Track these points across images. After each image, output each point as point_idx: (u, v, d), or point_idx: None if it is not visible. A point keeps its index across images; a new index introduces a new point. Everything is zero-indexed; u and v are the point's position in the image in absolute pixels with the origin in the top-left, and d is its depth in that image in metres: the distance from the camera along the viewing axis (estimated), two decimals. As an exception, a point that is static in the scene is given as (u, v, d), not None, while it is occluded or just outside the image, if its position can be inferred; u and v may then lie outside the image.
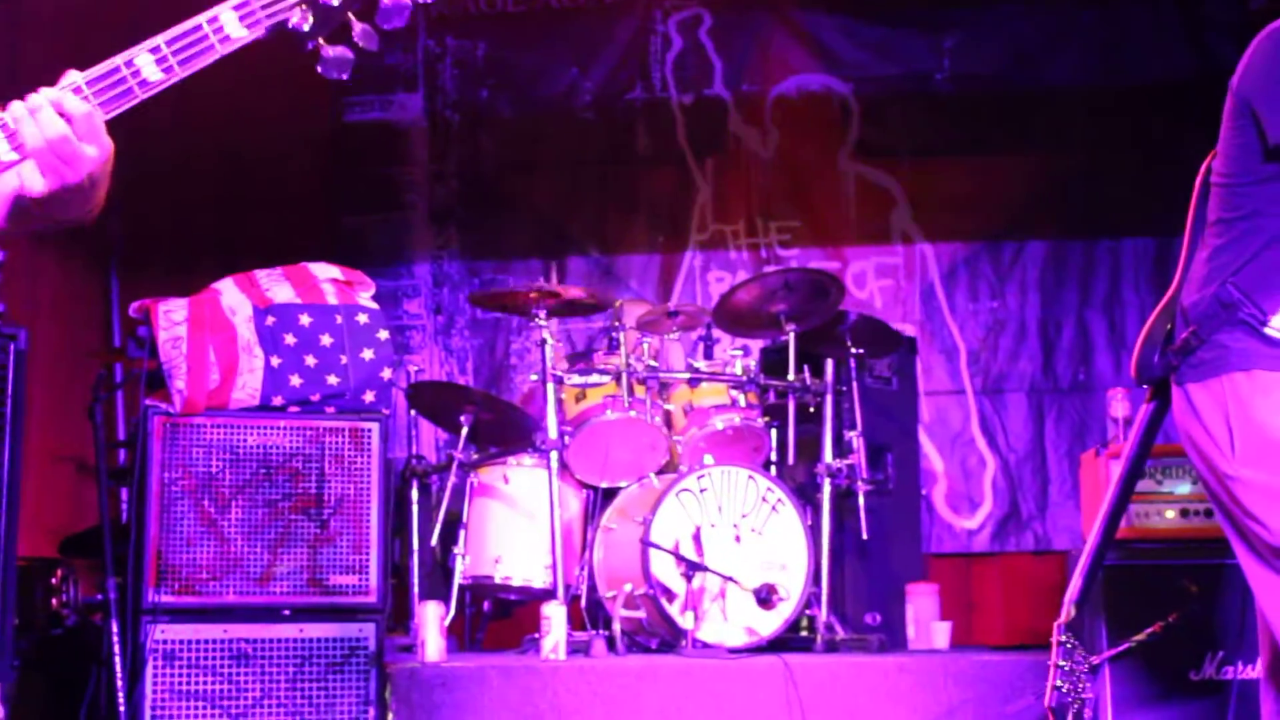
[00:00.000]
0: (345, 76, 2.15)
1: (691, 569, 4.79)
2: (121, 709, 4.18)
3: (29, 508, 4.06)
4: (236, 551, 4.41)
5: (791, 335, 5.29)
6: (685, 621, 4.75)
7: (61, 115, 2.00)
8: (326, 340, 4.69)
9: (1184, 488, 4.37)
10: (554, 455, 5.08)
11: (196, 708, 4.28)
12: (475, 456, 5.36)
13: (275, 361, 4.62)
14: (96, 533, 4.71)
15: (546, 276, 5.43)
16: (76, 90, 2.03)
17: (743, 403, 5.38)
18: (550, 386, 5.14)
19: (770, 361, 5.82)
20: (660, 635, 4.89)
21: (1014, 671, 4.41)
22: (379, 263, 6.74)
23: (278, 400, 4.57)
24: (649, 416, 5.29)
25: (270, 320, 4.65)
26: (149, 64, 2.04)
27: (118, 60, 2.05)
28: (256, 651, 4.34)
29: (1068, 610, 3.13)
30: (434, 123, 7.02)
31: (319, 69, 2.14)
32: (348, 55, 2.14)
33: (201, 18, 2.06)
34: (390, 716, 4.32)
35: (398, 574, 5.47)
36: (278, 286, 4.77)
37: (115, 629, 4.23)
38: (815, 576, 5.06)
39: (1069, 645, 3.13)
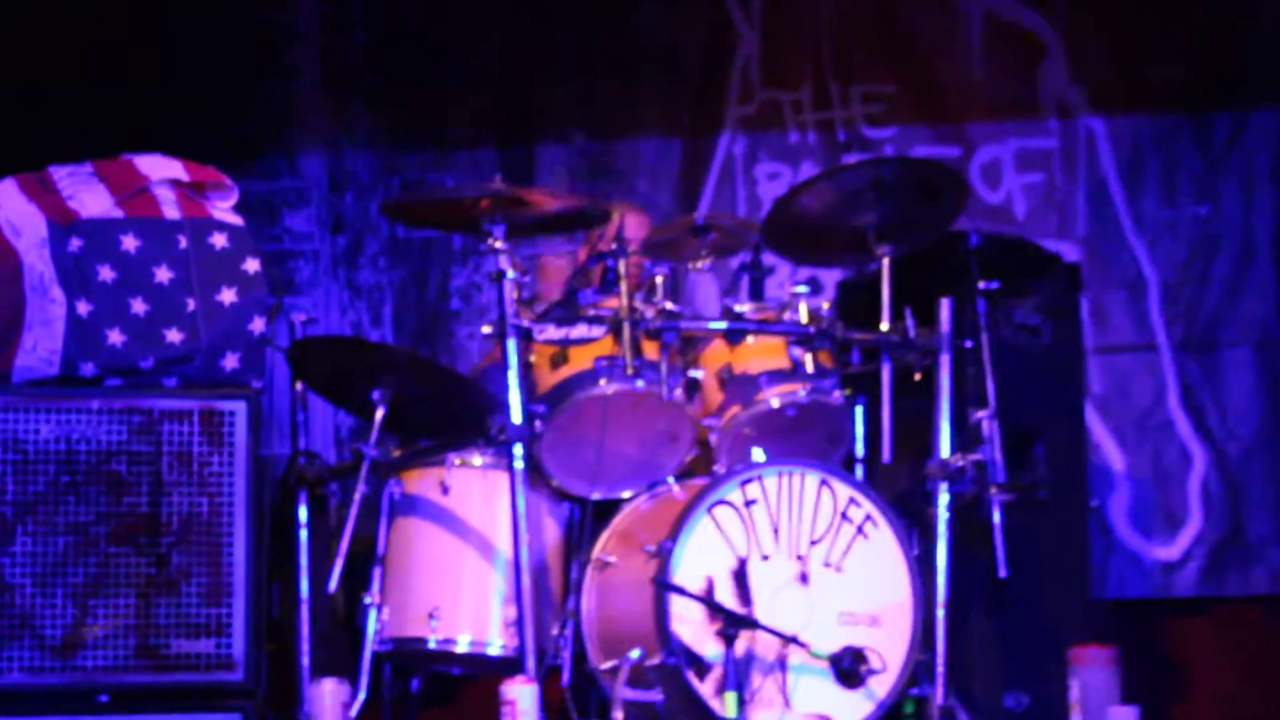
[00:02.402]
0: None
1: (733, 625, 4.79)
2: None
3: None
4: (22, 605, 4.49)
5: (885, 262, 5.29)
6: (725, 708, 4.76)
7: None
8: (164, 275, 4.74)
9: None
10: (519, 451, 5.07)
11: None
12: (397, 453, 5.36)
13: (83, 309, 4.67)
14: None
15: (505, 174, 5.41)
16: None
17: (810, 367, 5.35)
18: (512, 344, 5.12)
19: (853, 303, 5.80)
20: (686, 728, 4.91)
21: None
22: (245, 154, 6.79)
23: (88, 369, 4.66)
24: (665, 389, 5.26)
25: (75, 244, 4.70)
26: None
27: None
28: (58, 762, 4.40)
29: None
30: (328, -62, 7.10)
31: None
32: None
33: None
34: None
35: (278, 636, 5.45)
36: (86, 192, 4.80)
37: None
38: (925, 636, 5.07)
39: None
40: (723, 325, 5.39)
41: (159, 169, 4.90)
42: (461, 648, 5.16)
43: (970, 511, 5.38)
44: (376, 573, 5.21)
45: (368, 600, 5.17)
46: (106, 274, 4.69)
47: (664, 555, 4.89)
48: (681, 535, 4.91)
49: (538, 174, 6.90)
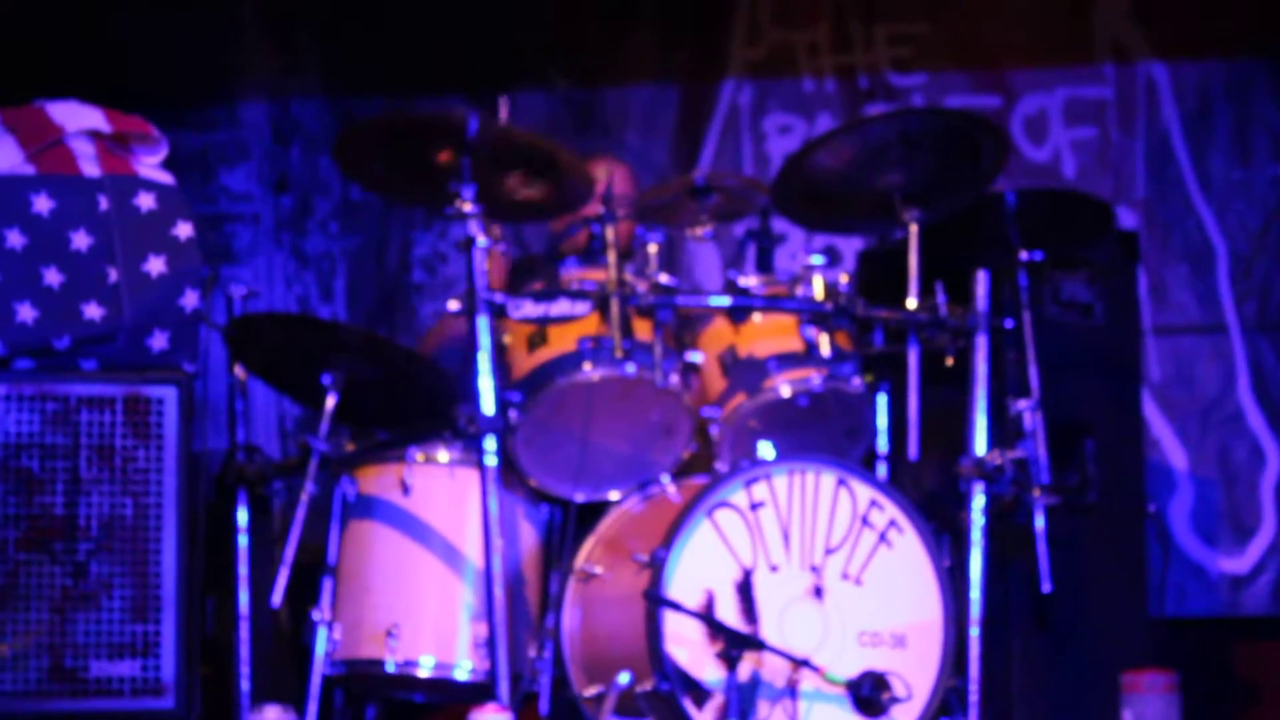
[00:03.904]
0: None
1: (737, 646, 4.82)
2: None
3: None
4: (-79, 620, 4.45)
5: (913, 229, 5.32)
6: (726, 740, 4.80)
7: None
8: (82, 241, 4.76)
9: None
10: (490, 445, 5.09)
11: None
12: (351, 448, 5.37)
13: None
14: None
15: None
16: None
17: (826, 350, 5.38)
18: (483, 322, 5.15)
19: (875, 276, 5.87)
20: (681, 764, 4.95)
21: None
22: (177, 102, 6.80)
23: None
24: (659, 374, 5.29)
25: None
26: None
27: None
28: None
29: None
30: None
31: None
32: None
33: None
34: None
35: (214, 657, 5.48)
36: None
37: None
38: (957, 660, 5.10)
39: None
40: (726, 301, 5.41)
41: (76, 118, 4.91)
42: (424, 671, 5.18)
43: (1009, 517, 5.42)
44: (327, 585, 5.24)
45: (316, 616, 5.19)
46: (15, 239, 4.69)
47: (657, 565, 4.91)
48: (677, 543, 4.93)
49: (515, 124, 6.88)
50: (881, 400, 5.47)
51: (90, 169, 4.83)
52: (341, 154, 5.52)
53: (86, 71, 6.49)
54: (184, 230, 4.84)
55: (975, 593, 5.23)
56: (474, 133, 5.17)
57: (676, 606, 4.87)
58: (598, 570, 5.17)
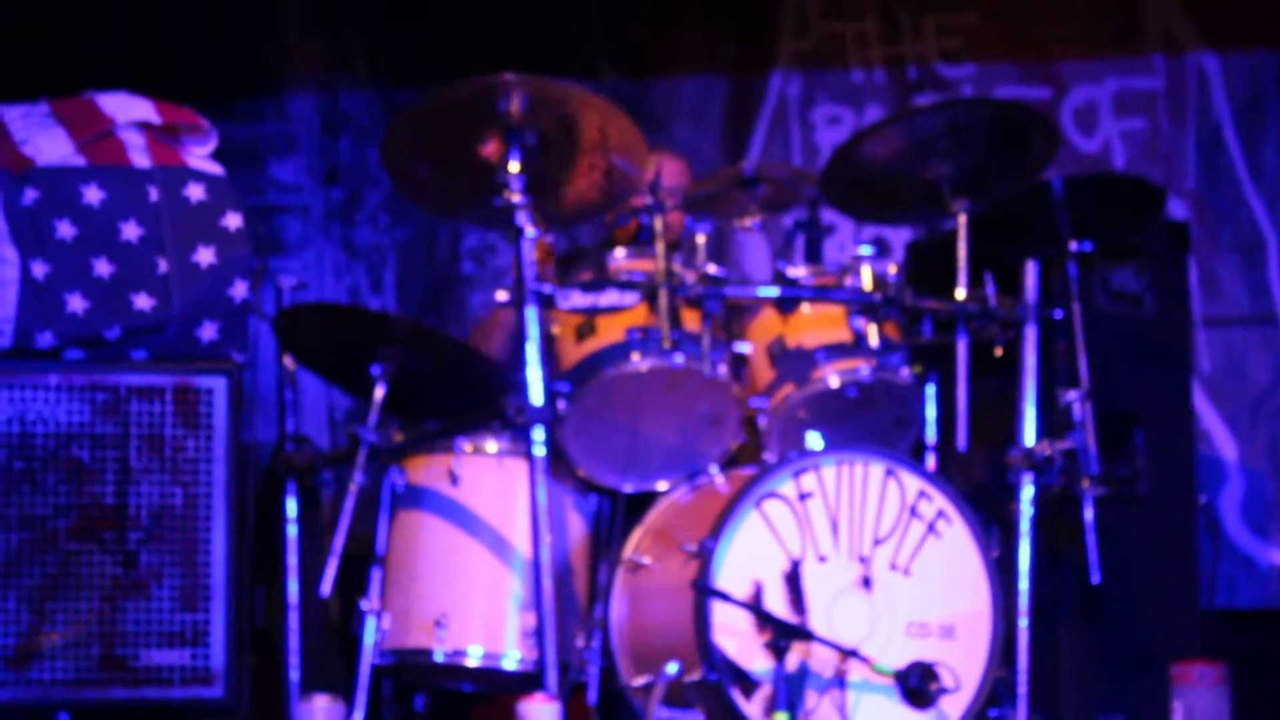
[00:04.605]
0: None
1: (785, 637, 4.81)
2: None
3: None
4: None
5: (962, 220, 5.32)
6: (774, 730, 4.80)
7: None
8: (132, 232, 4.76)
9: None
10: (539, 435, 5.09)
11: None
12: (400, 438, 5.38)
13: (39, 270, 4.69)
14: None
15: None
16: None
17: (874, 340, 5.37)
18: (532, 312, 5.14)
19: (924, 267, 5.86)
20: (730, 755, 4.94)
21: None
22: (226, 94, 6.82)
23: (45, 339, 4.68)
24: (707, 365, 5.28)
25: (30, 196, 4.71)
26: None
27: None
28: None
29: None
30: None
31: None
32: None
33: None
34: None
35: (263, 647, 5.51)
36: (42, 136, 4.82)
37: None
38: (1006, 651, 5.09)
39: None
40: (774, 292, 5.40)
41: (126, 109, 4.91)
42: (473, 661, 5.18)
43: (1059, 508, 5.41)
44: (375, 575, 5.25)
45: (365, 606, 5.20)
46: (66, 230, 4.71)
47: (705, 556, 4.91)
48: (726, 533, 4.93)
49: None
50: (930, 391, 5.47)
51: (140, 160, 4.84)
52: (388, 151, 5.52)
53: (136, 63, 6.55)
54: (233, 221, 4.85)
55: (1024, 584, 5.22)
56: (522, 106, 5.16)
57: (725, 597, 4.86)
58: (646, 560, 5.17)
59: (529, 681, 5.02)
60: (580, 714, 5.16)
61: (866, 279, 5.40)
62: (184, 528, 4.65)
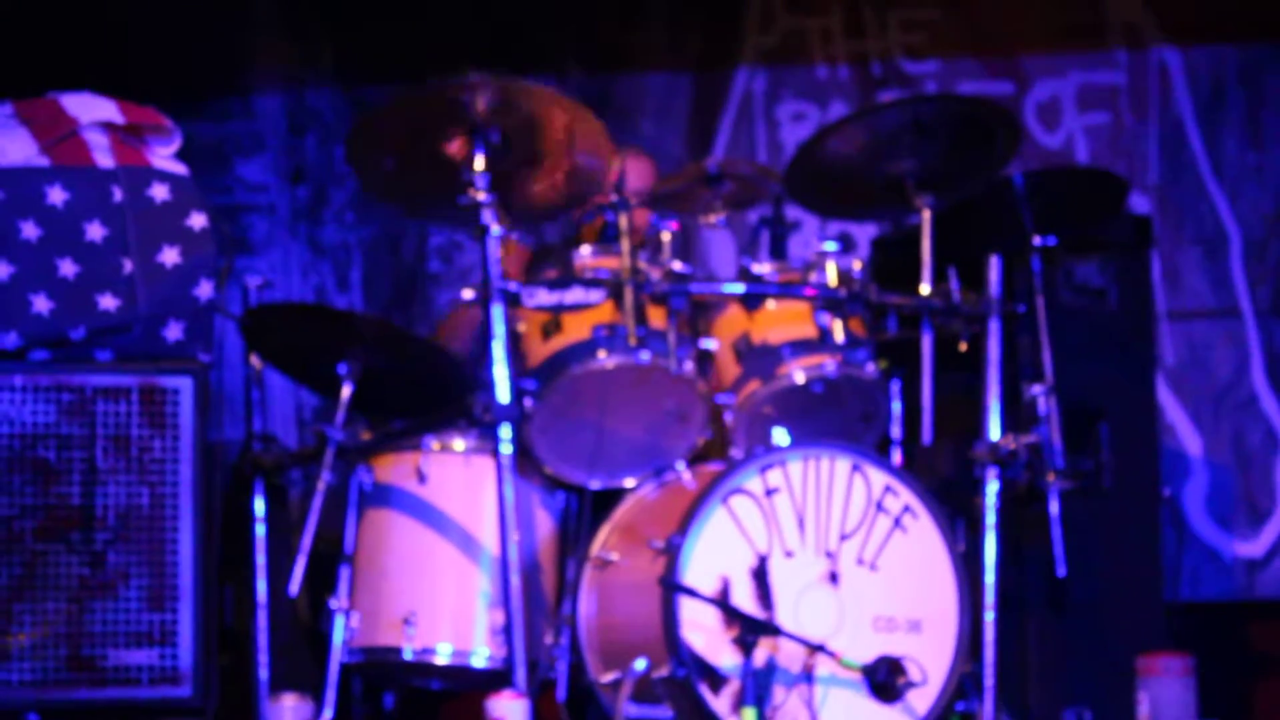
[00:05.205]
0: None
1: (753, 632, 4.81)
2: None
3: None
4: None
5: (926, 215, 5.33)
6: (742, 726, 4.80)
7: None
8: (96, 232, 4.75)
9: None
10: (506, 433, 5.09)
11: None
12: (367, 436, 5.36)
13: (3, 271, 4.68)
14: None
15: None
16: None
17: (840, 336, 5.38)
18: (498, 310, 5.14)
19: (890, 263, 5.86)
20: (698, 750, 4.93)
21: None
22: (192, 93, 6.79)
23: (10, 340, 4.67)
24: (673, 362, 5.28)
25: None
26: None
27: None
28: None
29: None
30: None
31: None
32: None
33: None
34: None
35: (232, 646, 5.51)
36: (5, 137, 4.83)
37: None
38: (972, 644, 5.10)
39: None
40: (740, 288, 5.40)
41: (90, 110, 4.90)
42: (442, 658, 5.18)
43: (1024, 501, 5.41)
44: (344, 573, 5.24)
45: (334, 605, 5.19)
46: (30, 231, 4.69)
47: (673, 552, 4.91)
48: (693, 529, 4.93)
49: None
50: (895, 386, 5.47)
51: (104, 160, 4.83)
52: (353, 149, 5.50)
53: (101, 63, 6.49)
54: (198, 221, 4.84)
55: (990, 577, 5.22)
56: (488, 104, 5.15)
57: (692, 593, 4.86)
58: (614, 557, 5.17)
59: (498, 679, 5.00)
60: (549, 711, 5.16)
61: (831, 275, 5.39)
62: (151, 528, 4.64)
